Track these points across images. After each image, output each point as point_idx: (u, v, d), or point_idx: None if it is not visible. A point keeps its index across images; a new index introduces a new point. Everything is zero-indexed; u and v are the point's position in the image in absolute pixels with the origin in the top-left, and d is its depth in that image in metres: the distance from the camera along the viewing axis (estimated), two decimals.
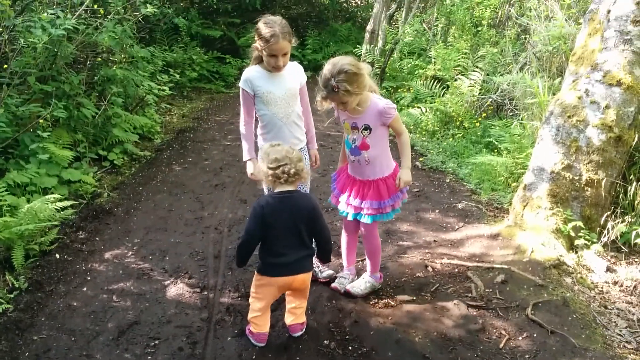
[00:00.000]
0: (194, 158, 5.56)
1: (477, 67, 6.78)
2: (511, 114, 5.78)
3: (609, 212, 3.65)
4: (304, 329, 2.68)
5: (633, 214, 3.66)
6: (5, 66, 3.98)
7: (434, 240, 3.80)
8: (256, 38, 2.72)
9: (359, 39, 10.57)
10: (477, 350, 2.59)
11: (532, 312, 2.87)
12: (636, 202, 3.67)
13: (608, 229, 3.57)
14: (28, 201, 3.60)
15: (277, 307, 2.84)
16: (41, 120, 4.19)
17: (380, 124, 2.72)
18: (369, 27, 9.25)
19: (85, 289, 3.08)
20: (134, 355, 2.53)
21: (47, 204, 3.49)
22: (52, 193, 3.80)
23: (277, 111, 2.85)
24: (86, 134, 4.90)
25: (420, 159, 5.59)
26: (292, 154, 2.43)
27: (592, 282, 3.32)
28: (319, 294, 3.02)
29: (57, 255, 3.39)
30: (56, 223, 3.63)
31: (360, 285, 3.04)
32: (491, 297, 3.04)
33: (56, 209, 3.55)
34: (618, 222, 3.58)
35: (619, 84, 3.54)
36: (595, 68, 3.67)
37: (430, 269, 3.37)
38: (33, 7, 4.47)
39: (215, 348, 2.59)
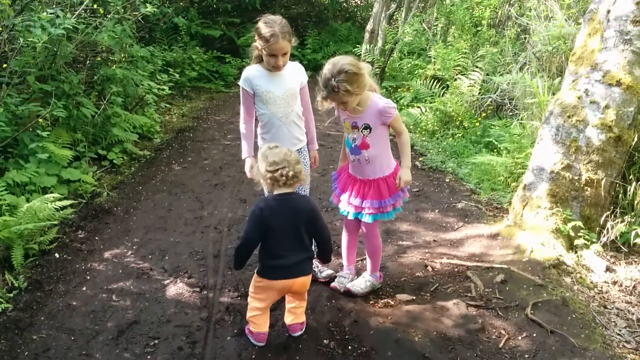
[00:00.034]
0: (193, 157, 5.56)
1: (476, 66, 6.78)
2: (511, 113, 5.78)
3: (608, 212, 3.66)
4: (304, 329, 2.68)
5: (632, 213, 3.67)
6: (4, 65, 3.98)
7: (434, 240, 3.80)
8: (256, 37, 2.72)
9: (358, 38, 10.57)
10: (476, 349, 2.59)
11: (532, 311, 2.87)
12: (636, 202, 3.67)
13: (607, 228, 3.57)
14: (27, 200, 3.60)
15: (277, 307, 2.84)
16: (41, 120, 4.18)
17: (380, 123, 2.72)
18: (368, 27, 9.25)
19: (84, 288, 3.08)
20: (133, 354, 2.53)
21: (47, 203, 3.49)
22: (52, 192, 3.80)
23: (276, 110, 2.84)
24: (86, 133, 4.90)
25: (420, 159, 5.59)
26: (290, 156, 2.42)
27: (591, 282, 3.32)
28: (318, 294, 3.02)
29: (57, 255, 3.39)
30: (56, 222, 3.63)
31: (361, 284, 3.04)
32: (491, 296, 3.04)
33: (56, 209, 3.55)
34: (617, 222, 3.59)
35: (618, 84, 3.54)
36: (595, 68, 3.67)
37: (429, 268, 3.37)
38: (32, 6, 4.46)
39: (215, 347, 2.59)
